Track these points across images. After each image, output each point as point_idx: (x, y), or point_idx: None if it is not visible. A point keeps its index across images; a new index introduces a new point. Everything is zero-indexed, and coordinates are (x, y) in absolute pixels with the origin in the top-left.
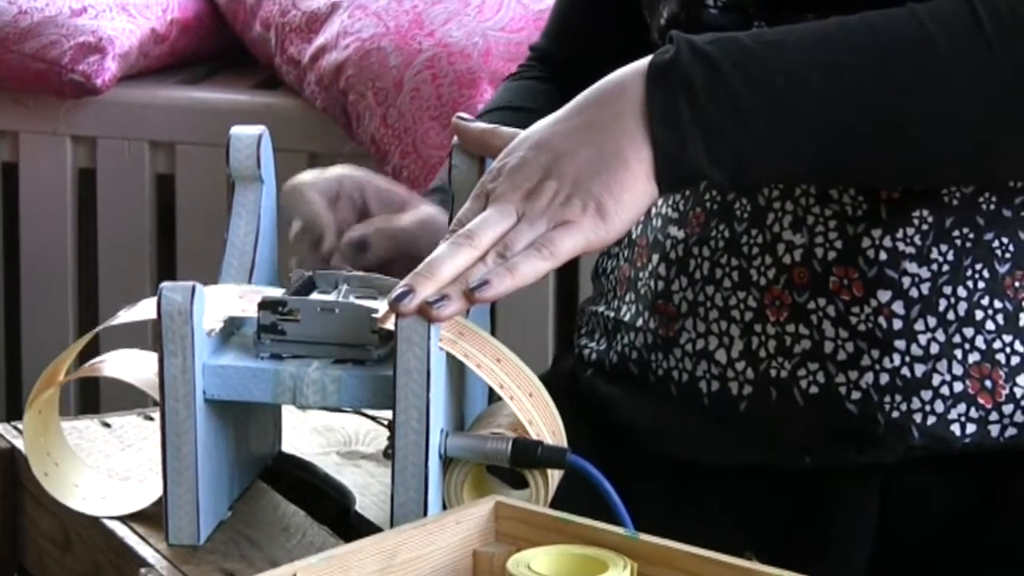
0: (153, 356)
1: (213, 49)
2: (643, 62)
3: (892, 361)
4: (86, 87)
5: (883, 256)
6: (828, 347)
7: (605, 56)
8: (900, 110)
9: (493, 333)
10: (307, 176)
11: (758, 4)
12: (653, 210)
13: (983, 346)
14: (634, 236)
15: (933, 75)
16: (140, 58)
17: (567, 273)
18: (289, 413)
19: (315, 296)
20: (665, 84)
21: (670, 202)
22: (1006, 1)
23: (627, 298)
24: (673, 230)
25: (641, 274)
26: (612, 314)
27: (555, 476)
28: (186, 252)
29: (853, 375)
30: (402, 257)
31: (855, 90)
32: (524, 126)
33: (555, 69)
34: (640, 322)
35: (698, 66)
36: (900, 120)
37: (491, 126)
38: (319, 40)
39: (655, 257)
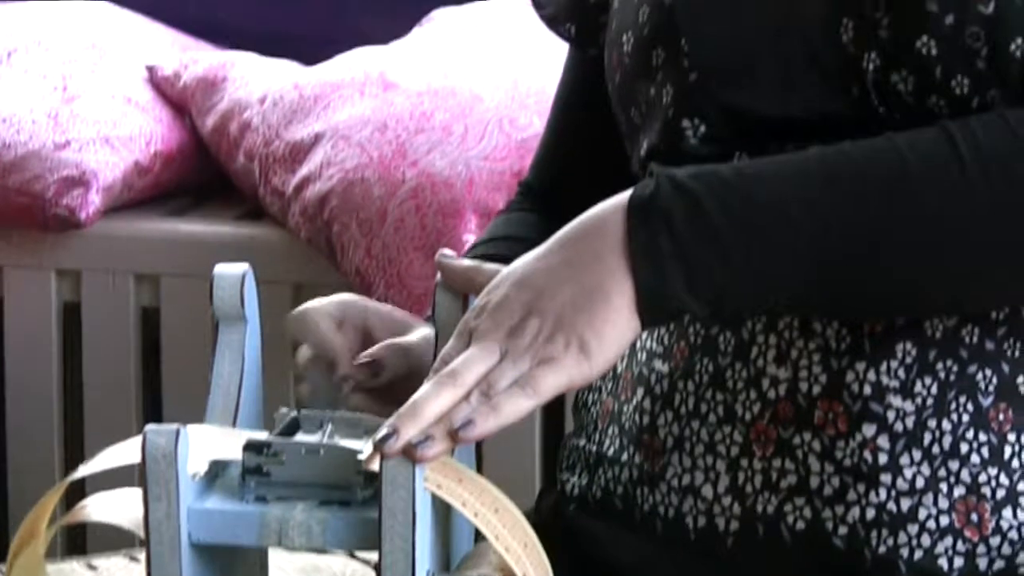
0: (139, 493)
1: (197, 180)
2: (623, 196)
3: (878, 496)
4: (70, 221)
5: (867, 390)
6: (814, 482)
7: (591, 188)
8: (880, 242)
9: (479, 467)
10: (312, 303)
11: (738, 134)
12: (638, 344)
13: (968, 479)
14: (618, 370)
15: (913, 207)
16: (124, 191)
17: (554, 406)
18: (276, 553)
19: (300, 437)
20: (646, 219)
21: (655, 336)
22: (985, 131)
23: (610, 431)
24: (658, 364)
25: (625, 408)
26: (594, 448)
27: None
28: (172, 384)
29: (839, 510)
30: (414, 373)
31: (835, 224)
32: (518, 254)
33: (544, 201)
34: (625, 456)
35: (678, 200)
36: (881, 252)
37: (474, 263)
38: (303, 171)
39: (640, 391)
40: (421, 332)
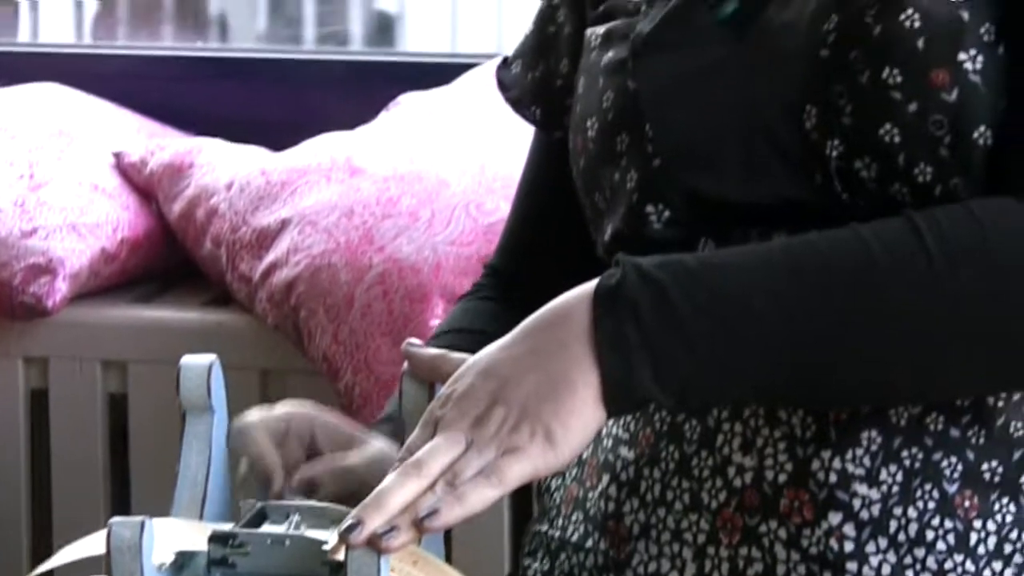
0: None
1: (164, 267)
2: (589, 286)
3: None
4: (37, 309)
5: (833, 478)
6: (780, 570)
7: (557, 272)
8: (846, 335)
9: (448, 551)
10: (255, 415)
11: (702, 220)
12: (604, 430)
13: (934, 566)
14: (583, 456)
15: (877, 299)
16: (91, 278)
17: (523, 491)
18: None
19: (266, 528)
20: (612, 309)
21: (620, 422)
22: (950, 222)
23: (574, 517)
24: (623, 451)
25: (590, 494)
26: (557, 533)
27: None
28: (140, 470)
29: None
30: (354, 495)
31: (800, 316)
32: (476, 349)
33: (508, 285)
34: (590, 543)
35: (644, 290)
36: (846, 344)
37: (440, 352)
38: (270, 257)
39: (605, 477)
40: (368, 451)
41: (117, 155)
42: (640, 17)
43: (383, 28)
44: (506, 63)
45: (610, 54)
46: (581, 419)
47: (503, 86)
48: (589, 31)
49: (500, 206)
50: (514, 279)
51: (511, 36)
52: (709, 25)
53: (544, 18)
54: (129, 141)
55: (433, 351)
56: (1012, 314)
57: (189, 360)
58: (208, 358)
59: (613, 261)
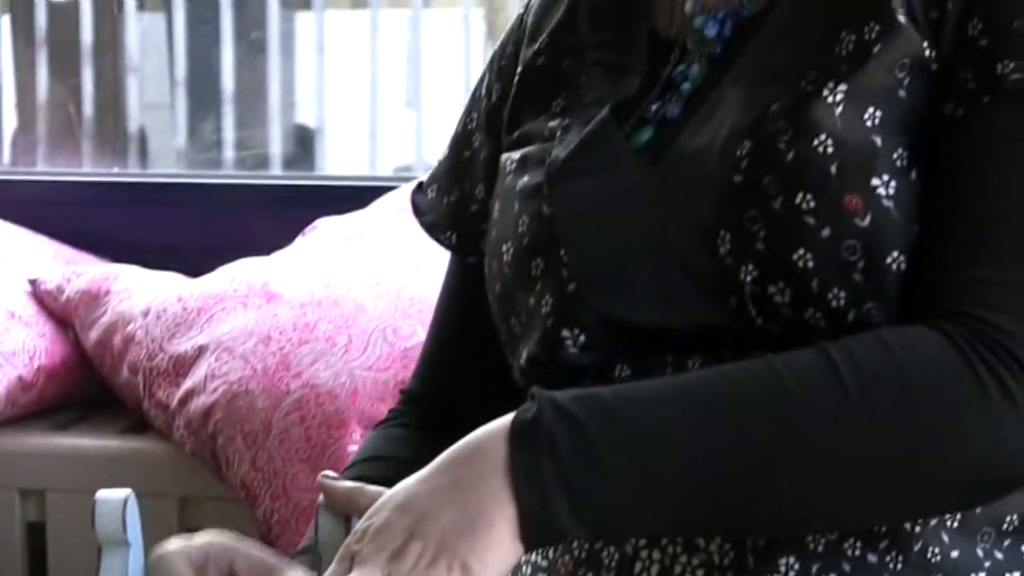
0: None
1: (82, 394)
2: (506, 420)
3: None
4: None
5: None
6: None
7: (474, 396)
8: (763, 467)
9: None
10: (174, 545)
11: (618, 344)
12: (523, 558)
13: None
14: None
15: (793, 431)
16: (8, 407)
17: None
18: None
19: None
20: (528, 443)
21: (540, 550)
22: (864, 353)
23: None
24: None
25: None
26: None
27: None
28: None
29: None
30: None
31: (717, 449)
32: (393, 476)
33: (425, 411)
34: None
35: (561, 425)
36: (763, 476)
37: (356, 484)
38: (187, 383)
39: None
40: None
41: (33, 282)
42: (555, 142)
43: (303, 141)
44: (421, 188)
45: (525, 179)
46: (498, 553)
47: (418, 211)
48: (504, 156)
49: (417, 331)
50: (431, 404)
51: (431, 147)
52: (624, 151)
53: (460, 142)
54: (45, 268)
55: (349, 484)
56: (925, 443)
57: (104, 495)
58: (123, 492)
59: (528, 395)
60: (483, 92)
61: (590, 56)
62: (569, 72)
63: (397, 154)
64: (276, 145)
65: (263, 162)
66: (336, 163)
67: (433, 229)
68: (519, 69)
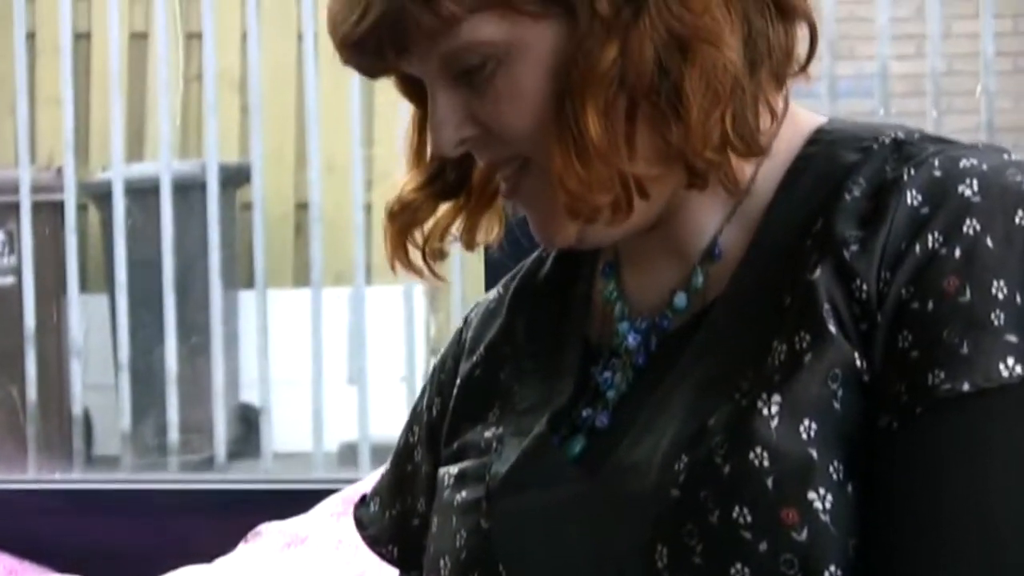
0: None
1: None
2: None
3: None
4: None
5: None
6: None
7: None
8: None
9: None
10: None
11: None
12: None
13: None
14: None
15: None
16: None
17: None
18: None
19: None
20: None
21: None
22: None
23: None
24: None
25: None
26: None
27: None
28: None
29: None
30: None
31: None
32: None
33: None
34: None
35: None
36: None
37: None
38: None
39: None
40: None
41: None
42: (493, 456)
43: (247, 420)
44: (364, 501)
45: (463, 494)
46: None
47: (360, 524)
48: (442, 470)
49: None
50: None
51: (375, 424)
52: (562, 464)
53: (402, 457)
54: None
55: None
56: None
57: None
58: None
59: None
60: (424, 406)
61: (525, 365)
62: (504, 382)
63: (341, 431)
64: (220, 426)
65: (208, 464)
66: (281, 441)
67: (375, 543)
68: (457, 382)
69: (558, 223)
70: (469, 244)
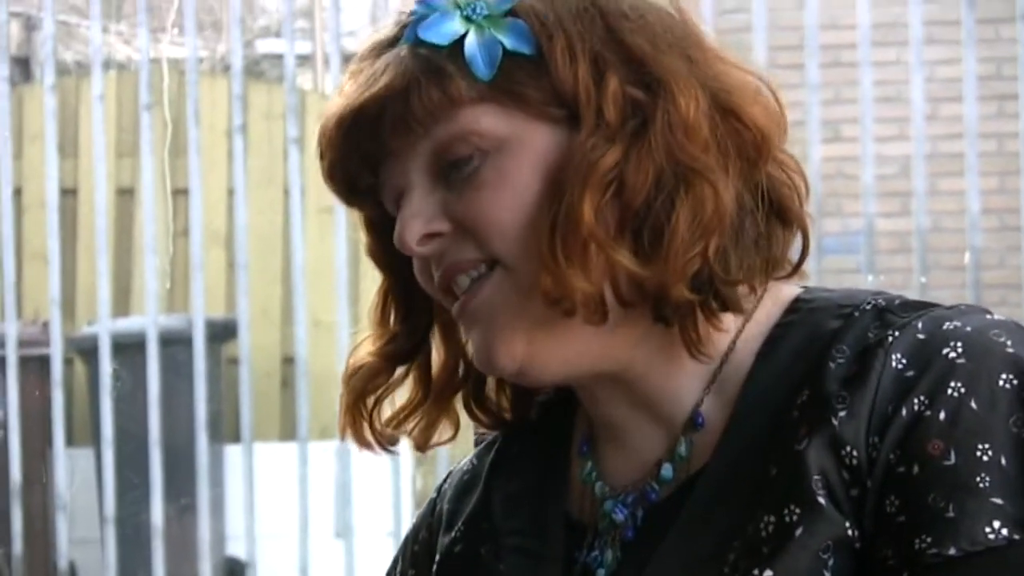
0: None
1: None
2: None
3: None
4: None
5: None
6: None
7: None
8: None
9: None
10: None
11: None
12: None
13: None
14: None
15: None
16: None
17: None
18: None
19: None
20: None
21: None
22: None
23: None
24: None
25: None
26: None
27: None
28: None
29: None
30: None
31: None
32: None
33: None
34: None
35: None
36: None
37: None
38: None
39: None
40: None
41: None
42: None
43: (233, 574)
44: None
45: None
46: None
47: None
48: None
49: None
50: None
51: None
52: None
53: None
54: None
55: None
56: None
57: None
58: None
59: None
60: None
61: (507, 542)
62: (487, 559)
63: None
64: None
65: None
66: None
67: None
68: (437, 557)
69: (507, 340)
70: (421, 444)
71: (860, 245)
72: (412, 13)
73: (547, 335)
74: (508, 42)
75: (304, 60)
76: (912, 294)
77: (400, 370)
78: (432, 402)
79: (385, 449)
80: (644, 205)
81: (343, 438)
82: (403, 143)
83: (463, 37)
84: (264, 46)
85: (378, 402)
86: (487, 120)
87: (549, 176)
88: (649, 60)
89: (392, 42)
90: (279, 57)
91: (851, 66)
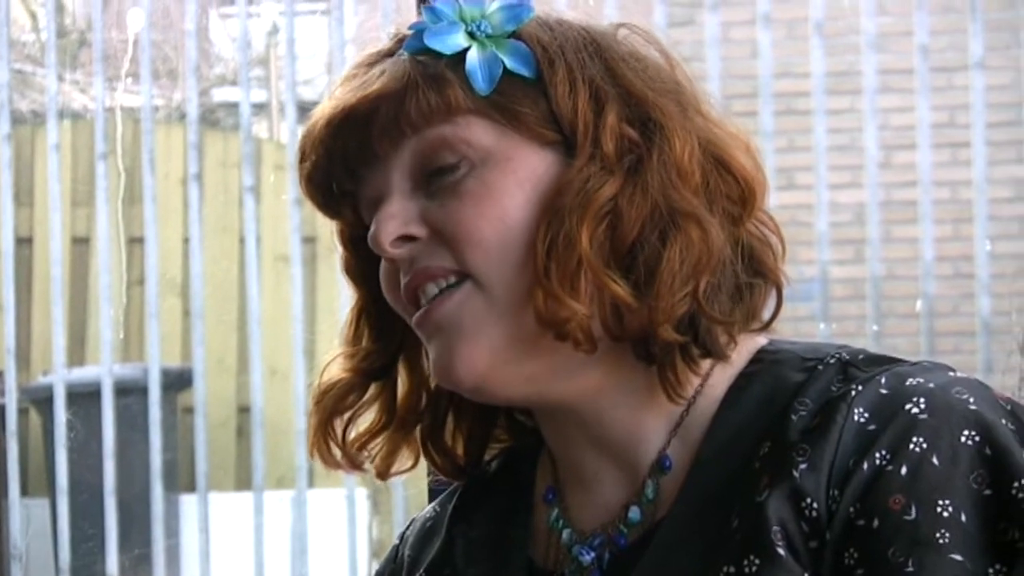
0: None
1: None
2: None
3: None
4: None
5: None
6: None
7: None
8: None
9: None
10: None
11: None
12: None
13: None
14: None
15: None
16: None
17: None
18: None
19: None
20: None
21: None
22: None
23: None
24: None
25: None
26: None
27: None
28: None
29: None
30: None
31: None
32: None
33: None
34: None
35: None
36: None
37: None
38: None
39: None
40: None
41: None
42: None
43: None
44: None
45: None
46: None
47: None
48: None
49: None
50: None
51: None
52: None
53: None
54: None
55: None
56: None
57: None
58: None
59: None
60: None
61: None
62: None
63: None
64: None
65: None
66: None
67: None
68: None
69: (468, 354)
70: (382, 472)
71: (814, 292)
72: (416, 24)
73: (517, 353)
74: (509, 62)
75: (260, 109)
76: (865, 342)
77: (372, 389)
78: (394, 429)
79: (354, 469)
80: (637, 241)
81: (312, 456)
82: (390, 147)
83: (465, 51)
84: (220, 94)
85: (348, 423)
86: (479, 131)
87: (541, 199)
88: (646, 101)
89: (390, 53)
90: (235, 105)
91: (805, 114)
